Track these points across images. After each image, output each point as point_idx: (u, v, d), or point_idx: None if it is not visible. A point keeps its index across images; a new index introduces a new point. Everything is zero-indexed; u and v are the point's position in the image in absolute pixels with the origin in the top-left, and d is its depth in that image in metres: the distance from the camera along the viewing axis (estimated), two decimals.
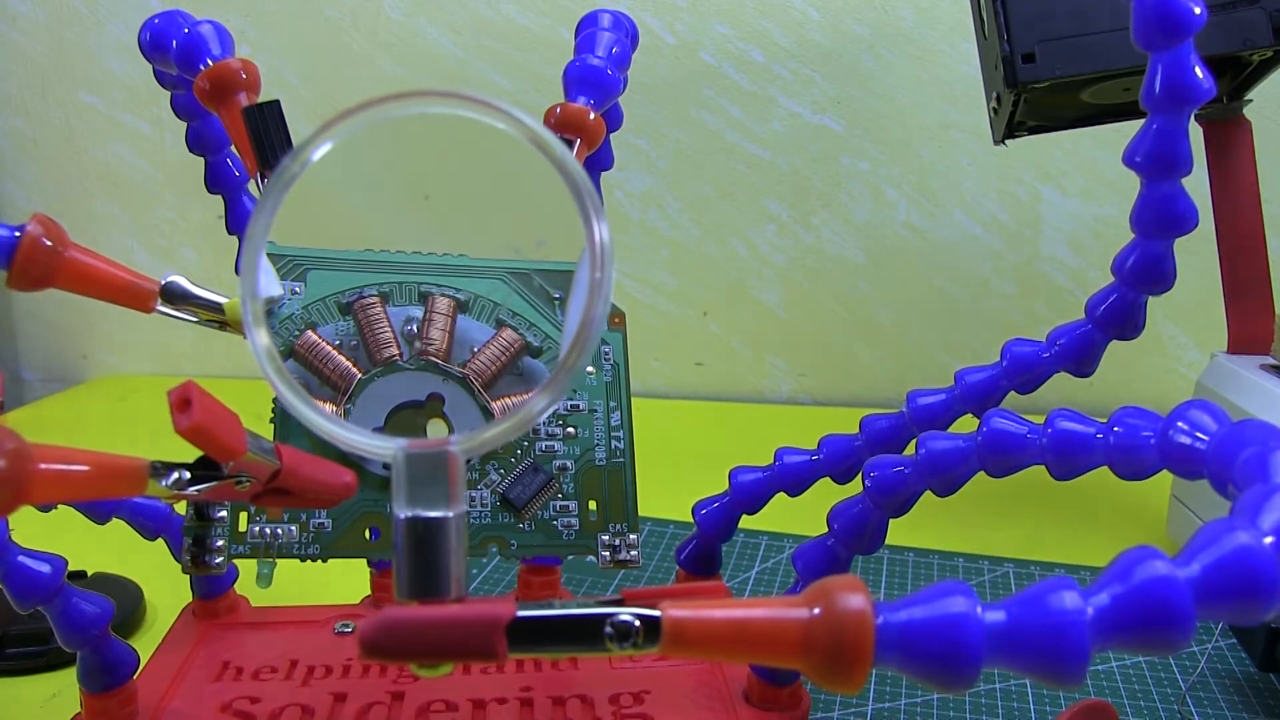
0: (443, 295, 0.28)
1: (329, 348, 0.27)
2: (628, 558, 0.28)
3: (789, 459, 0.29)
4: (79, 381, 0.75)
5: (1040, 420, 0.22)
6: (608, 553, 0.28)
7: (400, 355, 0.27)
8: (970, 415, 0.27)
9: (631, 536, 0.28)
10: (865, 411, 0.30)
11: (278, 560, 0.27)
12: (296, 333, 0.27)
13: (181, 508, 0.29)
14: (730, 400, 0.68)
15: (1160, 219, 0.24)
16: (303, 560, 0.27)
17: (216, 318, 0.26)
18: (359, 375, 0.27)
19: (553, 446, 0.28)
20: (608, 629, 0.15)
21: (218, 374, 0.72)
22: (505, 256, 0.29)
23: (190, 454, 0.19)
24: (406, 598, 0.17)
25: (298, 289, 0.27)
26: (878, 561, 0.41)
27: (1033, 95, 0.40)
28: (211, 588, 0.31)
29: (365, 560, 0.33)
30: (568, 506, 0.28)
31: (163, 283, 0.26)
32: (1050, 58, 0.38)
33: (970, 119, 0.62)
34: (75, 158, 0.72)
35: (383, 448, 0.17)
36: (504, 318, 0.28)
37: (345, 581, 0.32)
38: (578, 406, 0.28)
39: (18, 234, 0.23)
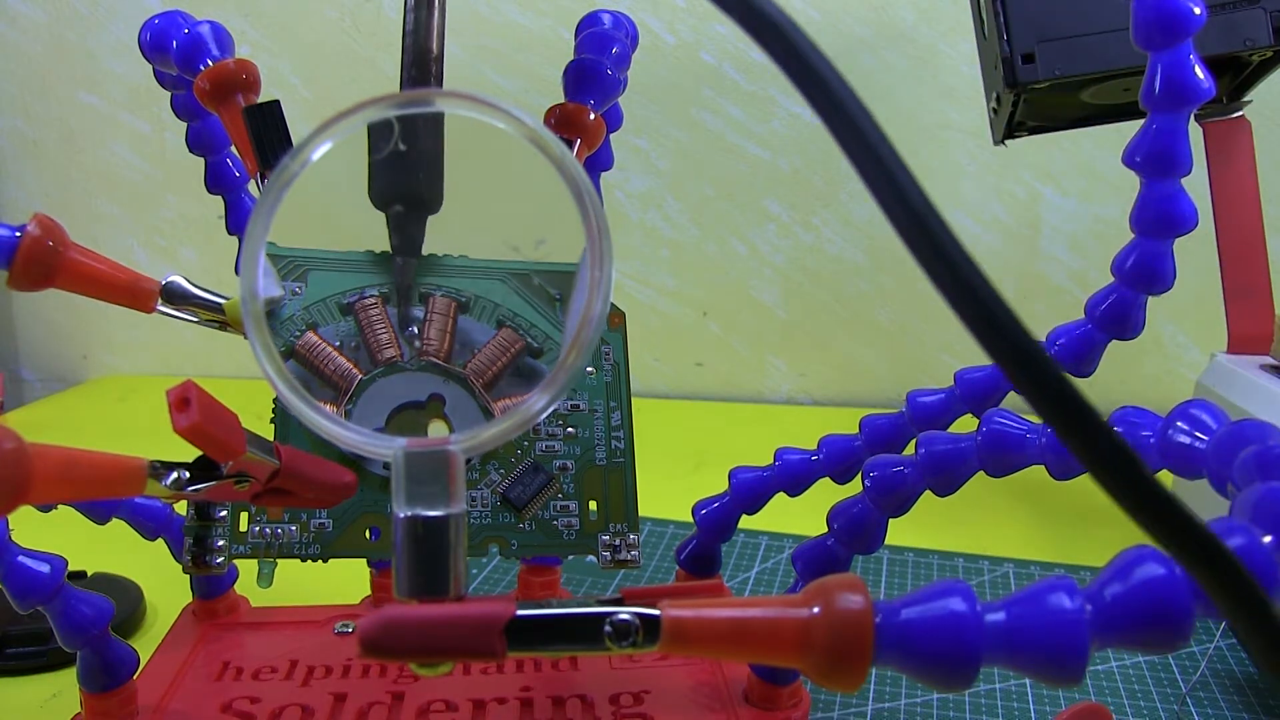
0: (443, 296, 0.28)
1: (330, 348, 0.27)
2: (628, 557, 0.28)
3: (789, 459, 0.29)
4: (79, 381, 0.75)
5: (1040, 421, 0.22)
6: (608, 552, 0.28)
7: (401, 356, 0.27)
8: (970, 415, 0.27)
9: (632, 536, 0.28)
10: (865, 411, 0.30)
11: (278, 560, 0.27)
12: (297, 333, 0.27)
13: (182, 508, 0.29)
14: (730, 400, 0.68)
15: (1159, 219, 0.24)
16: (303, 560, 0.27)
17: (217, 318, 0.26)
18: (360, 376, 0.27)
19: (553, 446, 0.28)
20: (607, 628, 0.15)
21: (218, 374, 0.72)
22: (505, 255, 0.29)
23: (190, 454, 0.19)
24: (406, 596, 0.17)
25: (298, 290, 0.27)
26: (877, 561, 0.41)
27: (1033, 95, 0.40)
28: (211, 588, 0.31)
29: (365, 560, 0.33)
30: (568, 506, 0.28)
31: (163, 283, 0.26)
32: (1050, 58, 0.38)
33: (970, 119, 0.62)
34: (75, 158, 0.72)
35: (382, 447, 0.17)
36: (504, 318, 0.28)
37: (345, 582, 0.32)
38: (578, 406, 0.28)
39: (18, 234, 0.23)
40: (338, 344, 0.27)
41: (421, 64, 0.26)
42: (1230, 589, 0.13)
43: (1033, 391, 0.13)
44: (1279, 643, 0.13)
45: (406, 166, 0.26)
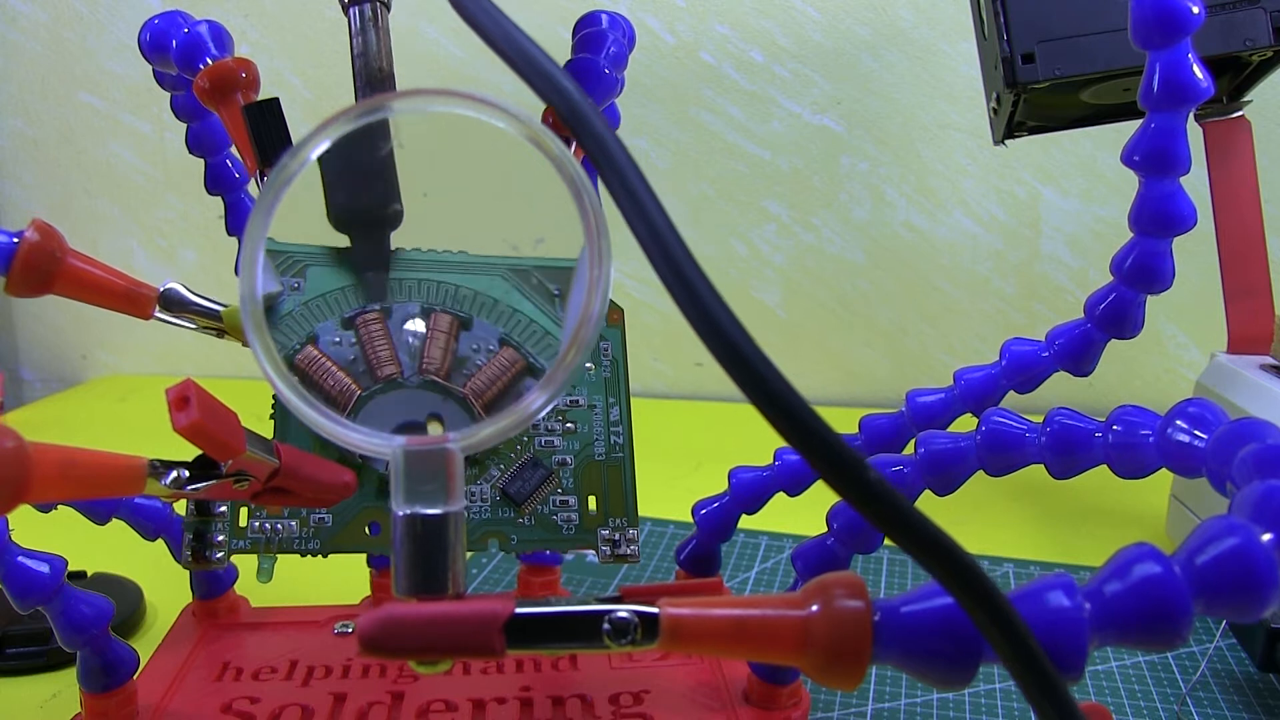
0: (444, 312, 0.28)
1: (330, 363, 0.27)
2: (627, 552, 0.28)
3: (789, 459, 0.29)
4: (79, 381, 0.75)
5: (1040, 421, 0.22)
6: (607, 547, 0.28)
7: (401, 373, 0.27)
8: (970, 415, 0.27)
9: (631, 531, 0.28)
10: (865, 411, 0.30)
11: (278, 555, 0.27)
12: (298, 345, 0.27)
13: (182, 508, 0.29)
14: (730, 400, 0.68)
15: (1158, 218, 0.24)
16: (303, 555, 0.27)
17: (214, 325, 0.26)
18: (359, 392, 0.27)
19: (552, 441, 0.28)
20: (605, 625, 0.15)
21: (218, 374, 0.72)
22: (505, 253, 0.29)
23: (190, 453, 0.19)
24: (405, 594, 0.17)
25: (297, 285, 0.27)
26: (877, 561, 0.41)
27: (1032, 95, 0.40)
28: (211, 588, 0.31)
29: (365, 559, 0.33)
30: (567, 501, 0.28)
31: (161, 289, 0.26)
32: (1050, 58, 0.38)
33: (970, 119, 0.62)
34: (75, 158, 0.72)
35: (382, 445, 0.17)
36: (506, 336, 0.28)
37: (345, 582, 0.32)
38: (577, 402, 0.28)
39: (16, 240, 0.23)
40: (336, 340, 0.27)
41: (375, 84, 0.26)
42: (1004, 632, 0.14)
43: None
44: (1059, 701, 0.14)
45: (359, 187, 0.26)
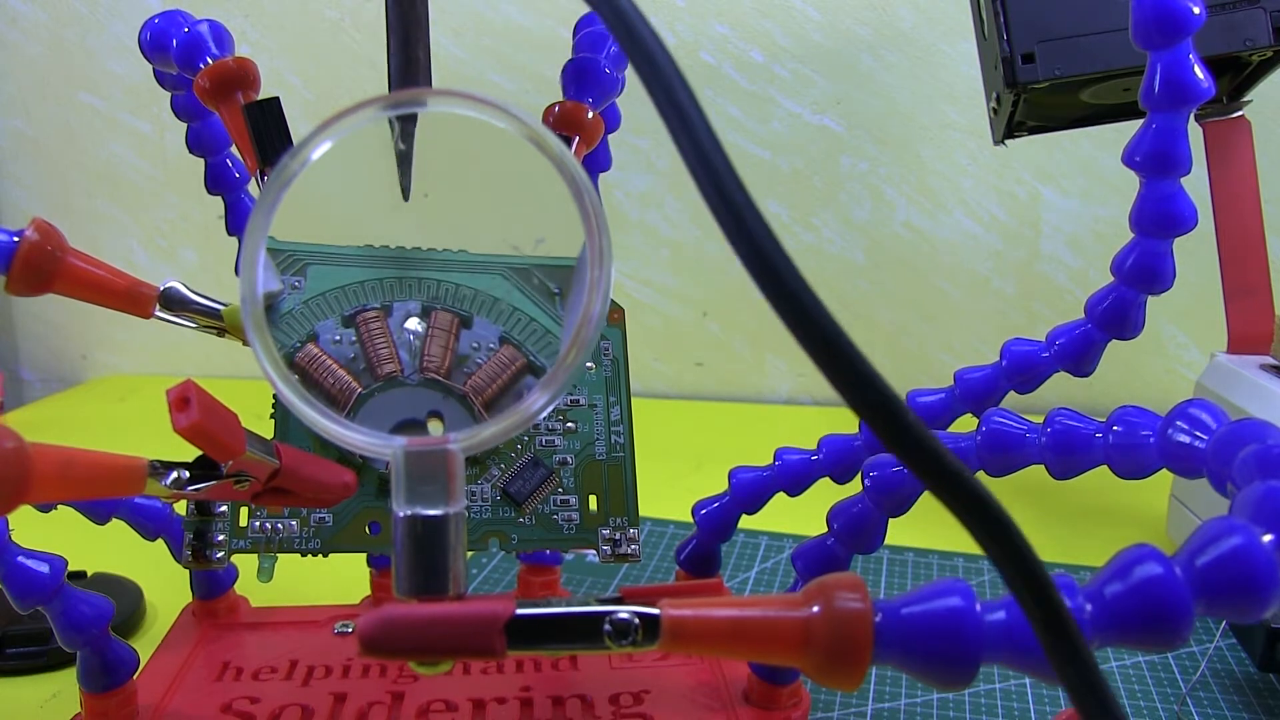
0: (444, 310, 0.28)
1: (330, 361, 0.27)
2: (628, 551, 0.28)
3: (789, 459, 0.29)
4: (79, 381, 0.75)
5: (1040, 421, 0.22)
6: (608, 546, 0.28)
7: (401, 371, 0.27)
8: (970, 415, 0.27)
9: (632, 530, 0.28)
10: None
11: (278, 555, 0.27)
12: (298, 344, 0.27)
13: (182, 508, 0.29)
14: (730, 400, 0.68)
15: (1159, 218, 0.24)
16: (304, 555, 0.27)
17: (215, 324, 0.26)
18: (359, 389, 0.27)
19: (553, 441, 0.28)
20: (606, 626, 0.15)
21: (218, 374, 0.72)
22: (505, 253, 0.29)
23: (190, 454, 0.19)
24: (406, 595, 0.17)
25: (298, 284, 0.27)
26: (877, 561, 0.41)
27: (1032, 95, 0.40)
28: (211, 588, 0.31)
29: (365, 559, 0.33)
30: (568, 501, 0.28)
31: (162, 288, 0.26)
32: (1050, 58, 0.38)
33: (970, 119, 0.62)
34: (75, 158, 0.72)
35: (382, 446, 0.17)
36: (506, 334, 0.28)
37: (345, 582, 0.32)
38: (578, 401, 0.28)
39: (16, 239, 0.23)
40: (337, 338, 0.27)
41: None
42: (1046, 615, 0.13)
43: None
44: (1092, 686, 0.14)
45: None
